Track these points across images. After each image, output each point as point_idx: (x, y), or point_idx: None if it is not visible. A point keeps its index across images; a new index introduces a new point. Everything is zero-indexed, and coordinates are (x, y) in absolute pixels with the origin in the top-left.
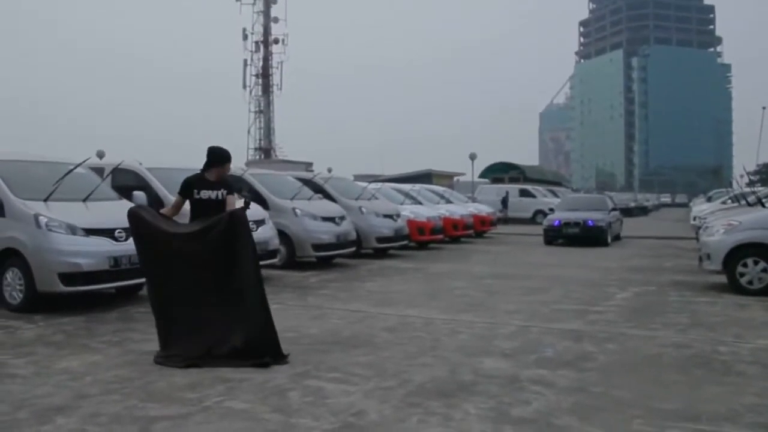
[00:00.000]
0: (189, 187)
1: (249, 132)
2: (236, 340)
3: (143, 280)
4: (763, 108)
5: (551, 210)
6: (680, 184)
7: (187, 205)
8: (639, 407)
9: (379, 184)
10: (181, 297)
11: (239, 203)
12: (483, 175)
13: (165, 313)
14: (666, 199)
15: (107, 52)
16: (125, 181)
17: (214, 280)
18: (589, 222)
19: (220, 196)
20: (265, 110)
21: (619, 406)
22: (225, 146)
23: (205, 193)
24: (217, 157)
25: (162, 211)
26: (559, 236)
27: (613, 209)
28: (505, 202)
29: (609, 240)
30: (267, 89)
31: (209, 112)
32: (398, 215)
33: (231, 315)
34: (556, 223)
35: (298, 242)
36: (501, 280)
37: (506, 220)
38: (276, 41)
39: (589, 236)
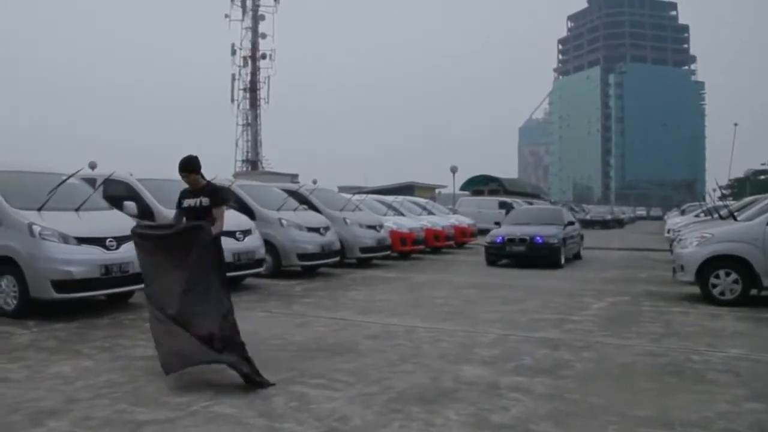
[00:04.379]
0: (180, 197)
1: (237, 144)
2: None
3: (133, 287)
4: (735, 124)
5: (497, 224)
6: (655, 198)
7: None
8: (614, 414)
9: (363, 196)
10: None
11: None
12: (464, 187)
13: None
14: (641, 212)
15: (101, 67)
16: (116, 192)
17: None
18: (538, 239)
19: (198, 204)
20: (252, 123)
21: (595, 412)
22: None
23: (187, 202)
24: (180, 165)
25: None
26: (502, 255)
27: (570, 223)
28: None
29: (562, 260)
30: (254, 103)
31: (199, 125)
32: (381, 226)
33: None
34: (499, 239)
35: (284, 252)
36: (481, 289)
37: None
38: (263, 56)
39: (538, 256)
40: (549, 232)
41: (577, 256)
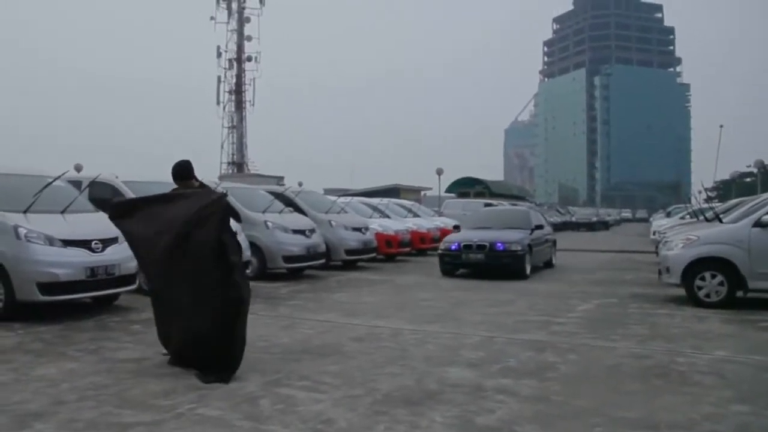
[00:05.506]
0: None
1: (222, 147)
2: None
3: (119, 290)
4: (721, 126)
5: (456, 228)
6: (641, 200)
7: None
8: (599, 416)
9: (349, 198)
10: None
11: None
12: (449, 189)
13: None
14: (627, 214)
15: (88, 70)
16: (102, 194)
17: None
18: (498, 245)
19: None
20: (237, 125)
21: (580, 414)
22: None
23: None
24: (173, 174)
25: None
26: (458, 265)
27: (538, 227)
28: None
29: (527, 270)
30: (240, 105)
31: (184, 127)
32: (367, 228)
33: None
34: (454, 246)
35: (270, 254)
36: (466, 291)
37: None
38: (249, 59)
39: (499, 265)
40: (512, 238)
41: (548, 264)
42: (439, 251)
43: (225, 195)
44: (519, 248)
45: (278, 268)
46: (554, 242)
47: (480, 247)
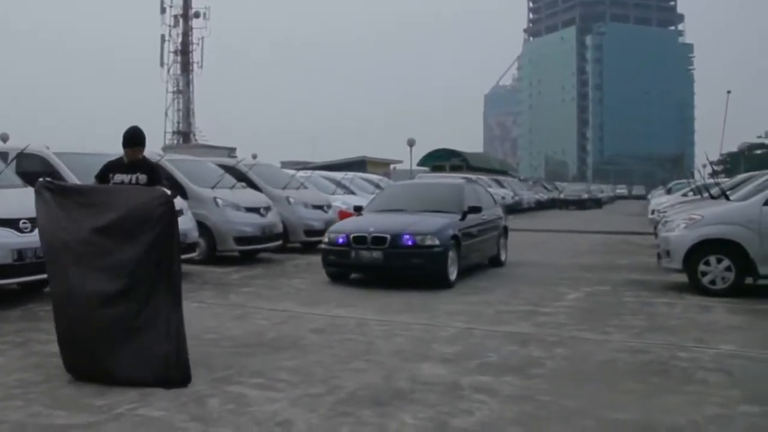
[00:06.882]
0: (105, 170)
1: (166, 114)
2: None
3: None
4: (728, 92)
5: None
6: (637, 174)
7: None
8: (591, 418)
9: (309, 172)
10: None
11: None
12: (422, 162)
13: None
14: (622, 190)
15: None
16: (31, 167)
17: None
18: (405, 237)
19: (134, 180)
20: (184, 90)
21: (569, 416)
22: (139, 129)
23: (119, 177)
24: (124, 138)
25: None
26: (348, 266)
27: (473, 209)
28: None
29: (452, 274)
30: (186, 67)
31: (123, 92)
32: (329, 206)
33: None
34: (341, 240)
35: (219, 235)
36: None
37: None
38: (197, 15)
39: (406, 267)
40: (428, 227)
41: (495, 262)
42: (322, 246)
43: (169, 195)
44: (437, 242)
45: (229, 251)
46: (504, 230)
47: (378, 241)
